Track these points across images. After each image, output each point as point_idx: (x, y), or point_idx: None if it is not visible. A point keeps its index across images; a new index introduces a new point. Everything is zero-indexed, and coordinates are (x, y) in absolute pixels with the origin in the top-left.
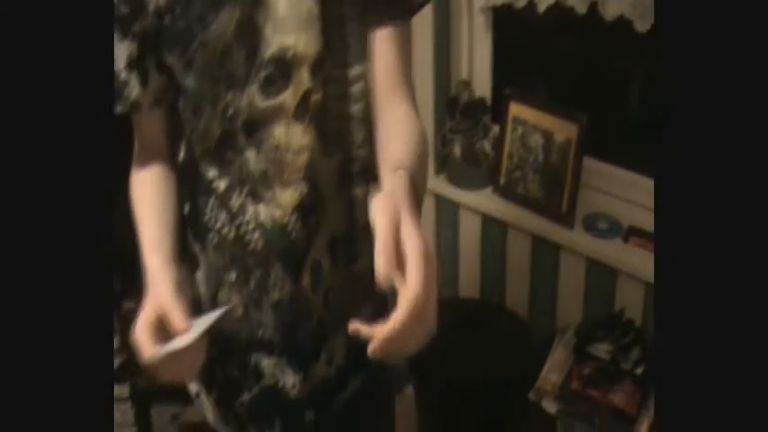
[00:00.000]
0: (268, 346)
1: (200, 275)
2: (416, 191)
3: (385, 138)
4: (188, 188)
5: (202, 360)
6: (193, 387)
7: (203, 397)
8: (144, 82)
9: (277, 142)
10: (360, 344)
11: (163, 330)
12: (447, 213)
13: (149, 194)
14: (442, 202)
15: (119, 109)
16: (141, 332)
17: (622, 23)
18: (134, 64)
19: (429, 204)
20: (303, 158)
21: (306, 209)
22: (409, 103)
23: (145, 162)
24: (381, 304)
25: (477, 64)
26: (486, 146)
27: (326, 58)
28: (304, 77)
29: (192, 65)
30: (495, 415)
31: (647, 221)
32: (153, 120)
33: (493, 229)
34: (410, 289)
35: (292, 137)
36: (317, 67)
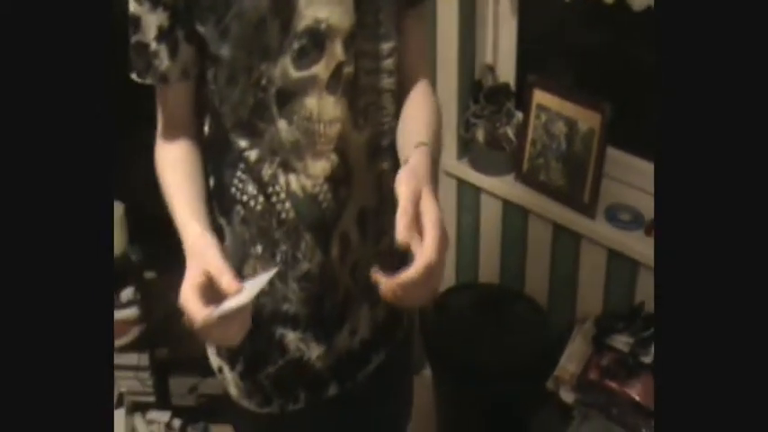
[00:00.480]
0: (293, 321)
1: (225, 249)
2: (436, 164)
3: (408, 110)
4: (213, 162)
5: (249, 324)
6: (215, 362)
7: (226, 372)
8: (173, 53)
9: (309, 113)
10: (383, 319)
11: (210, 294)
12: (469, 198)
13: (180, 166)
14: (463, 186)
15: (149, 80)
16: (190, 295)
17: (650, 14)
18: (164, 35)
19: (451, 188)
20: (335, 130)
21: (336, 180)
22: (428, 77)
23: (171, 136)
24: None
25: (501, 49)
26: (510, 132)
27: (359, 32)
28: (337, 50)
29: (228, 35)
30: (512, 401)
31: None
32: (180, 92)
33: (514, 215)
34: (426, 253)
35: (324, 108)
36: (350, 40)
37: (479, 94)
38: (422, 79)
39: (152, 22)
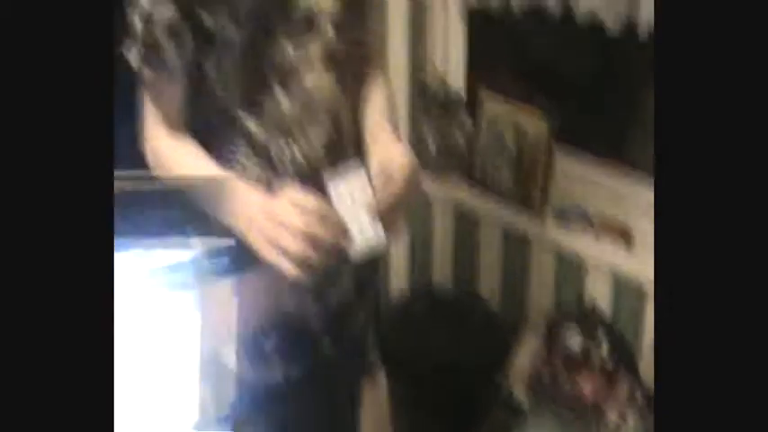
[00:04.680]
0: None
1: None
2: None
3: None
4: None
5: None
6: None
7: None
8: None
9: None
10: None
11: None
12: (420, 206)
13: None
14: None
15: None
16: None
17: (595, 25)
18: None
19: None
20: None
21: None
22: None
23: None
24: None
25: (452, 59)
26: (460, 140)
27: None
28: None
29: None
30: (466, 402)
31: (617, 214)
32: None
33: (466, 221)
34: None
35: None
36: None
37: (430, 104)
38: None
39: None
